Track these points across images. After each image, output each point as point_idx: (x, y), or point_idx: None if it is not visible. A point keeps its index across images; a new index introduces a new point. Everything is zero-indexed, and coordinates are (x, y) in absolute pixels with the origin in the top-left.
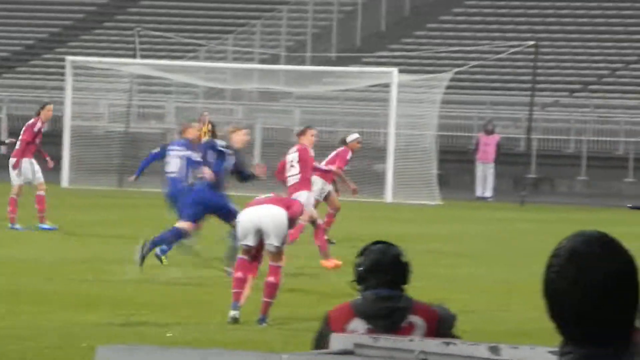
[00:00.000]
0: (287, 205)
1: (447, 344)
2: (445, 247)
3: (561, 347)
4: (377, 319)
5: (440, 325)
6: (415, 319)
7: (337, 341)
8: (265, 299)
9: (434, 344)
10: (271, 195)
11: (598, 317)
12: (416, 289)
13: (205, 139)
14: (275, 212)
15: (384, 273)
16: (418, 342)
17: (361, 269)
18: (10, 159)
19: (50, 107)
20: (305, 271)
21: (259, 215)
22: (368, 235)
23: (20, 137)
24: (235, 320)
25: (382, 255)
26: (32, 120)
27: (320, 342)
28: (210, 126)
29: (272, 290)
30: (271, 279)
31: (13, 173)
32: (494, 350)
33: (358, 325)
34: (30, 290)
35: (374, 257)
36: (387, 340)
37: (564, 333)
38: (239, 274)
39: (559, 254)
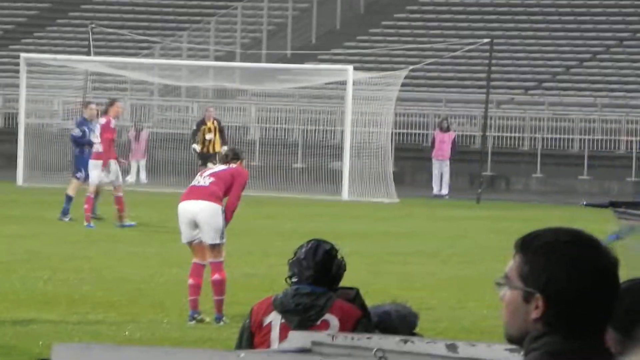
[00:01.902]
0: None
1: (405, 341)
2: (402, 244)
3: (541, 337)
4: (292, 313)
5: (361, 326)
6: (330, 318)
7: (295, 339)
8: (216, 297)
9: (392, 342)
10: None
11: (583, 310)
12: (372, 286)
13: (209, 136)
14: (210, 207)
15: (307, 269)
16: (376, 340)
17: (290, 264)
18: (94, 160)
19: (120, 103)
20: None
21: (193, 211)
22: (324, 232)
23: (98, 139)
24: (200, 321)
25: (308, 252)
26: (104, 120)
27: (242, 334)
28: (215, 122)
29: (220, 286)
30: (216, 276)
31: (96, 173)
32: (452, 347)
33: (274, 318)
34: None
35: (300, 254)
36: (345, 339)
37: (547, 324)
38: (192, 281)
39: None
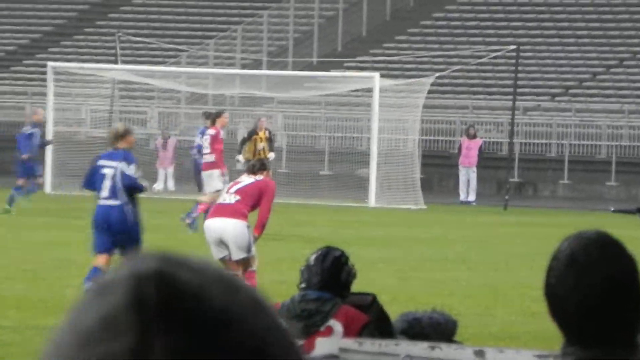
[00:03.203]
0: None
1: (433, 347)
2: (429, 251)
3: (563, 347)
4: (297, 319)
5: (366, 332)
6: (334, 324)
7: (322, 345)
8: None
9: (419, 348)
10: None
11: (598, 320)
12: (400, 293)
13: (261, 145)
14: (234, 225)
15: (315, 275)
16: (403, 346)
17: (301, 271)
18: (207, 170)
19: (226, 114)
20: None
21: (218, 229)
22: (351, 239)
23: (208, 150)
24: None
25: (317, 258)
26: (213, 132)
27: None
28: (267, 133)
29: None
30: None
31: (215, 182)
32: (480, 354)
33: None
34: (15, 296)
35: (310, 260)
36: (372, 345)
37: (565, 334)
38: None
39: (558, 258)
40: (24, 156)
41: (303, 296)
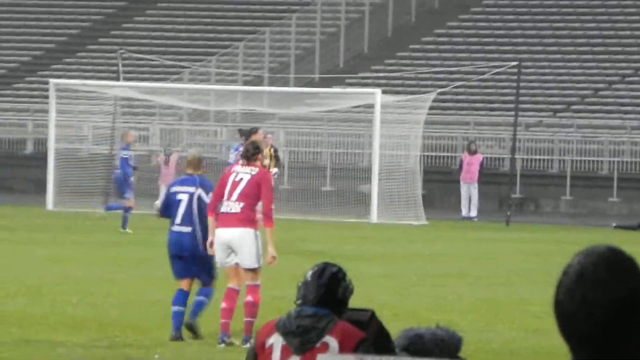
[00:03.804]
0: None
1: None
2: (431, 267)
3: None
4: (293, 335)
5: (362, 348)
6: (330, 340)
7: None
8: (247, 319)
9: None
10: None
11: (607, 338)
12: (401, 308)
13: (266, 162)
14: (243, 234)
15: (311, 291)
16: None
17: (298, 286)
18: None
19: (261, 131)
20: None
21: (227, 238)
22: (353, 255)
23: None
24: (230, 345)
25: (314, 274)
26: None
27: (248, 355)
28: (272, 150)
29: (252, 309)
30: (249, 298)
31: None
32: None
33: (277, 340)
34: (16, 312)
35: (307, 276)
36: None
37: (572, 350)
38: (225, 305)
39: (567, 273)
40: (131, 179)
41: (299, 312)
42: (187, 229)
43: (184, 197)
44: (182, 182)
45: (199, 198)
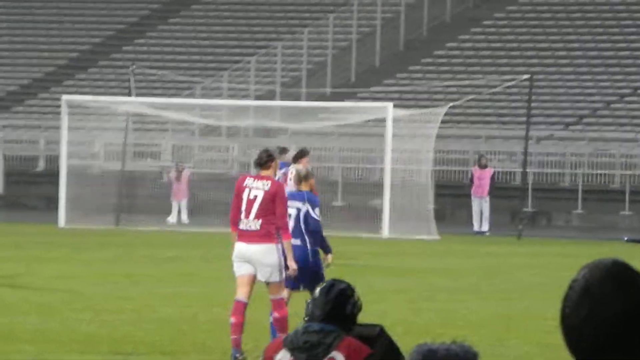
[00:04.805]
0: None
1: None
2: (443, 281)
3: None
4: (300, 351)
5: None
6: (337, 355)
7: None
8: (280, 335)
9: None
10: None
11: (611, 351)
12: (413, 323)
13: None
14: (262, 249)
15: (319, 308)
16: None
17: (307, 303)
18: None
19: (309, 152)
20: None
21: (246, 253)
22: (365, 270)
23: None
24: None
25: (322, 290)
26: (300, 166)
27: None
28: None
29: (282, 324)
30: (276, 314)
31: None
32: None
33: (284, 356)
34: (29, 330)
35: (314, 293)
36: None
37: None
38: (234, 320)
39: (573, 287)
40: None
41: (306, 328)
42: (296, 242)
43: (292, 212)
44: (291, 197)
45: (307, 213)
